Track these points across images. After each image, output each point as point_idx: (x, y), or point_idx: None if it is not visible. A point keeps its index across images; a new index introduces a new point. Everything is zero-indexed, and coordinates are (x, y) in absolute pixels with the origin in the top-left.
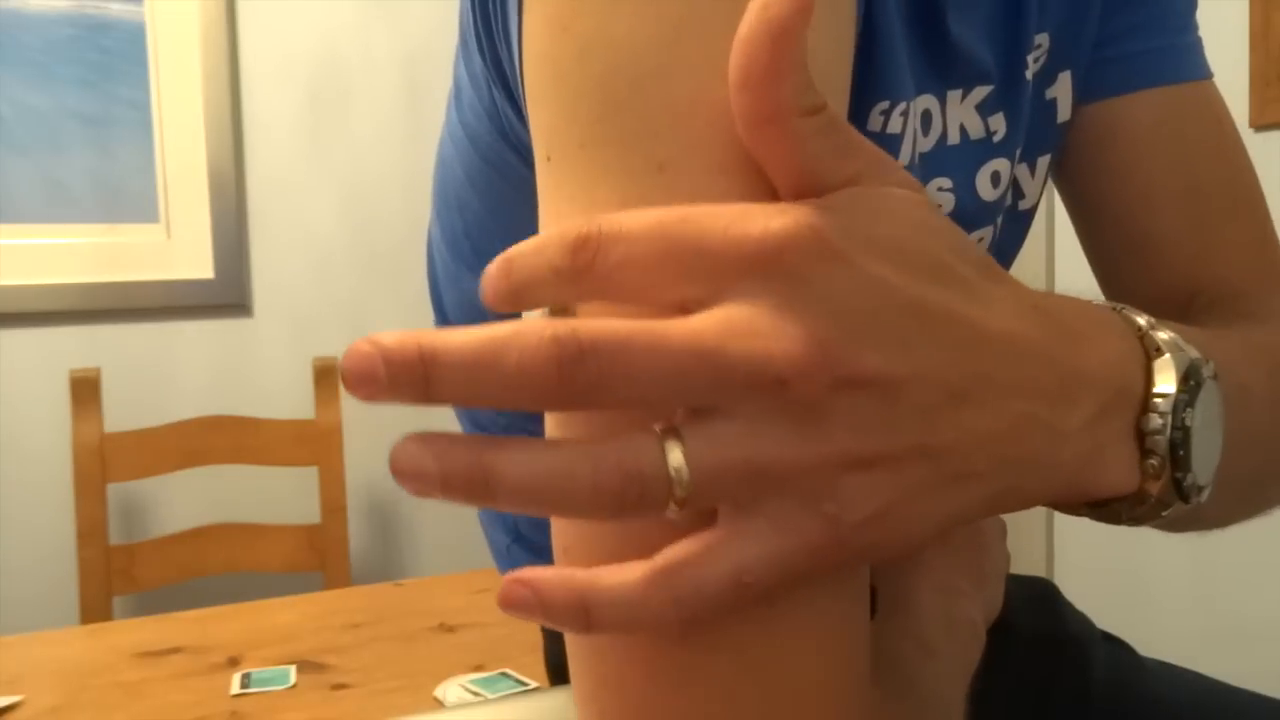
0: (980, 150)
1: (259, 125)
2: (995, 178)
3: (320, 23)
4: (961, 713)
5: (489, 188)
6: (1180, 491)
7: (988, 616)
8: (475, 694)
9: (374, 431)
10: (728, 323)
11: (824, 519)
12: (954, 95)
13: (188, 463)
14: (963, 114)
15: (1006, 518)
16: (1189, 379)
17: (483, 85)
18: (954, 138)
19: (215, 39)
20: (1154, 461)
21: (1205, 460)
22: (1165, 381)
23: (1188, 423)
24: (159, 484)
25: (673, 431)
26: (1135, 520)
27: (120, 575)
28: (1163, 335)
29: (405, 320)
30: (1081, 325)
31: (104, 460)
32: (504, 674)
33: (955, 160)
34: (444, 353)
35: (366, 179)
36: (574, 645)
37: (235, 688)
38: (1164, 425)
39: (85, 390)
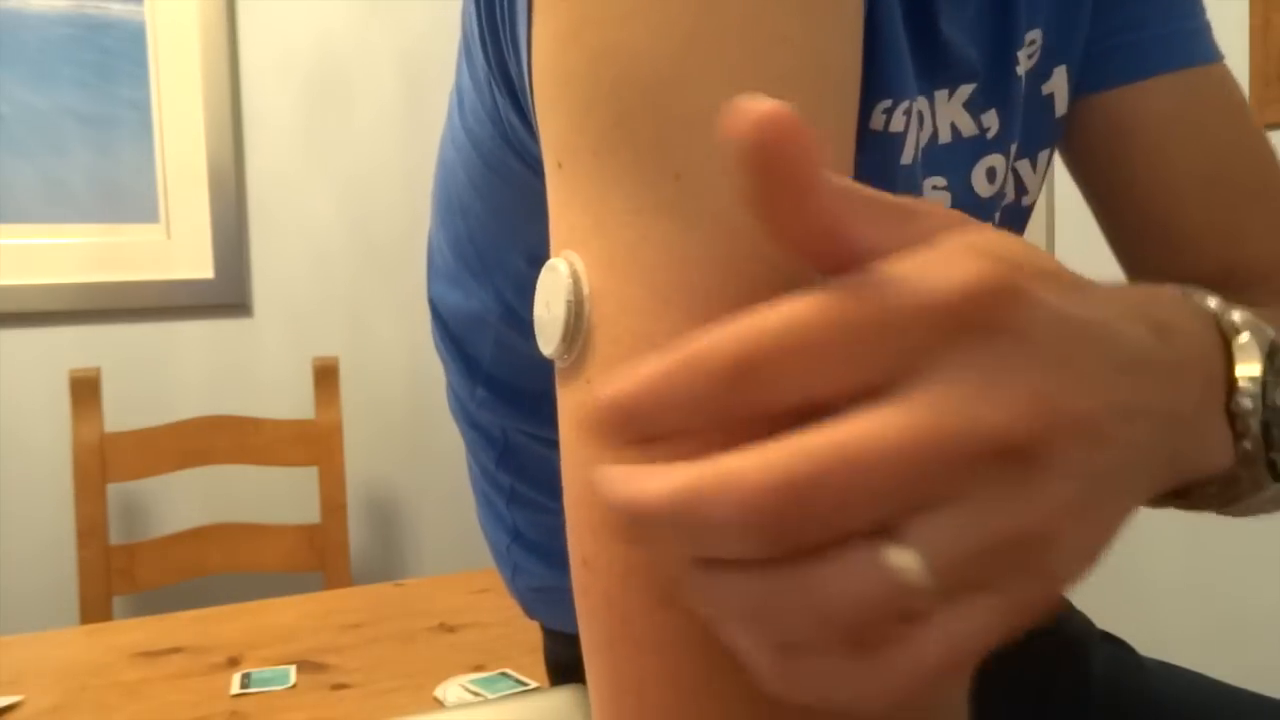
0: (974, 147)
1: (259, 125)
2: (991, 173)
3: (320, 22)
4: (965, 703)
5: (492, 192)
6: (1275, 472)
7: None
8: (475, 694)
9: (374, 431)
10: (940, 402)
11: (1046, 576)
12: (941, 95)
13: (188, 463)
14: (952, 113)
15: None
16: (1274, 358)
17: (485, 90)
18: (945, 136)
19: (215, 39)
20: (1247, 445)
21: None
22: (1249, 363)
23: (1278, 402)
24: (159, 484)
25: (893, 534)
26: (1227, 504)
27: (120, 575)
28: (1236, 316)
29: (404, 320)
30: (1168, 314)
31: (104, 460)
32: (504, 674)
33: (948, 159)
34: (642, 505)
35: (366, 179)
36: (591, 649)
37: (235, 688)
38: (1254, 407)
39: (85, 390)
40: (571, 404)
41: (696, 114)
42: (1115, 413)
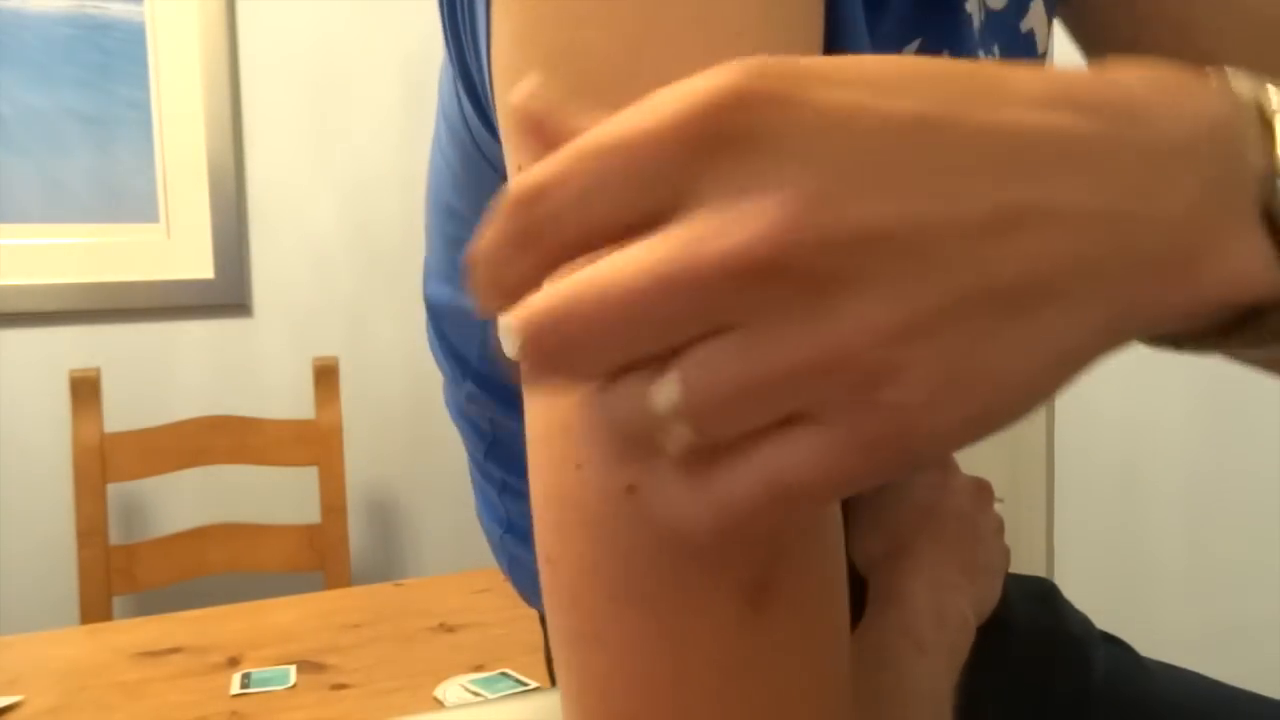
0: None
1: (259, 125)
2: None
3: (320, 22)
4: (950, 707)
5: (471, 193)
6: None
7: (980, 611)
8: (475, 694)
9: (374, 431)
10: (691, 227)
11: (884, 410)
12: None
13: (188, 463)
14: None
15: (1006, 516)
16: None
17: (452, 94)
18: None
19: (215, 39)
20: None
21: None
22: None
23: None
24: (159, 484)
25: (668, 364)
26: None
27: (120, 575)
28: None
29: (404, 320)
30: (1152, 93)
31: (104, 460)
32: (504, 674)
33: None
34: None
35: (366, 179)
36: (557, 646)
37: (235, 688)
38: None
39: (85, 390)
40: (537, 408)
41: None
42: (958, 216)
